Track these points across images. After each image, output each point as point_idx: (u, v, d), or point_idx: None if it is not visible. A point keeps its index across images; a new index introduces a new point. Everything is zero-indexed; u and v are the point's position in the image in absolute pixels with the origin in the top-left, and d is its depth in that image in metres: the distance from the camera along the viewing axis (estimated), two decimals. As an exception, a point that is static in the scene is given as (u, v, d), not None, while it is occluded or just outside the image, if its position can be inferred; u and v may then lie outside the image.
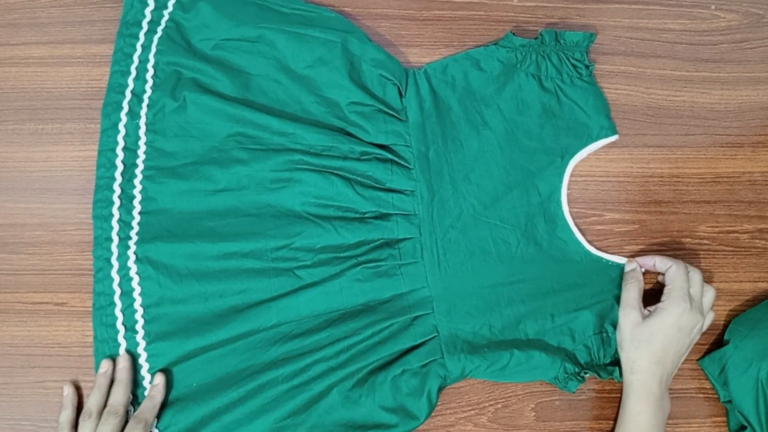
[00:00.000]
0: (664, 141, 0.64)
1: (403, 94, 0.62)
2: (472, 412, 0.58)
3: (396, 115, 0.61)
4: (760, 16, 0.68)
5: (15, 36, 0.64)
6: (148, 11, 0.63)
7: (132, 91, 0.61)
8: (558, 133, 0.62)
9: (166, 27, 0.62)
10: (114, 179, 0.59)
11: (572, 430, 0.58)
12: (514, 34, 0.62)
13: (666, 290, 0.56)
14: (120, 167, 0.59)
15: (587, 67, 0.63)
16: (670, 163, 0.64)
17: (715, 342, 0.60)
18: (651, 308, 0.56)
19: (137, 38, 0.62)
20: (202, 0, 0.62)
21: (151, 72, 0.61)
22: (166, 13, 0.63)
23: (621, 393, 0.56)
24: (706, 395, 0.59)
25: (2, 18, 0.64)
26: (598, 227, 0.62)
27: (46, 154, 0.61)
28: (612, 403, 0.59)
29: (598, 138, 0.62)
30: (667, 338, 0.54)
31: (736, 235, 0.63)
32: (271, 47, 0.62)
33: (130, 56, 0.62)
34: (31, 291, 0.59)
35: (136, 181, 0.59)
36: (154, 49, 0.62)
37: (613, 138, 0.62)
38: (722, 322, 0.61)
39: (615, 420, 0.57)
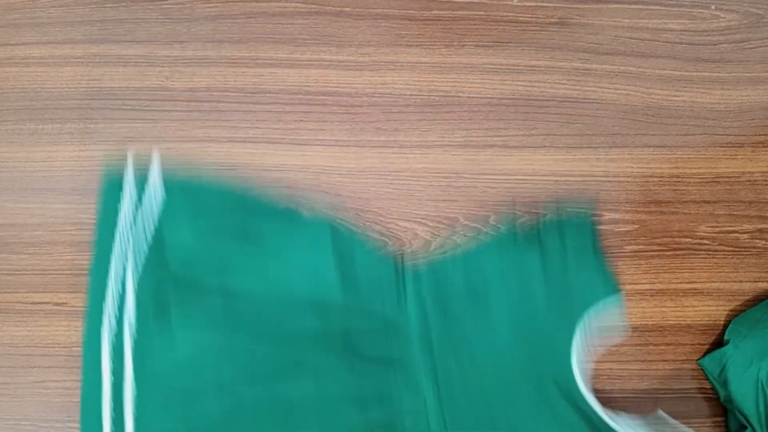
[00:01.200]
0: (664, 141, 0.64)
1: (402, 299, 0.59)
2: (472, 412, 0.58)
3: (395, 326, 0.59)
4: (760, 16, 0.68)
5: (15, 36, 0.64)
6: (126, 223, 0.59)
7: (115, 319, 0.57)
8: (566, 313, 0.59)
9: (149, 251, 0.59)
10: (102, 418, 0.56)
11: (572, 430, 0.58)
12: (515, 220, 0.61)
13: None
14: (108, 404, 0.56)
15: (593, 241, 0.61)
16: (670, 163, 0.64)
17: (715, 342, 0.60)
18: None
19: (110, 263, 0.58)
20: (184, 225, 0.59)
21: (131, 301, 0.58)
22: (147, 230, 0.59)
23: (620, 392, 0.56)
24: (706, 395, 0.59)
25: (2, 18, 0.64)
26: (598, 227, 0.62)
27: (46, 154, 0.61)
28: (611, 403, 0.59)
29: (605, 311, 0.59)
30: None
31: (736, 235, 0.63)
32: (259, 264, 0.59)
33: (108, 282, 0.58)
34: (31, 291, 0.59)
35: (127, 412, 0.55)
36: (131, 279, 0.58)
37: (618, 310, 0.60)
38: (722, 322, 0.61)
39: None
